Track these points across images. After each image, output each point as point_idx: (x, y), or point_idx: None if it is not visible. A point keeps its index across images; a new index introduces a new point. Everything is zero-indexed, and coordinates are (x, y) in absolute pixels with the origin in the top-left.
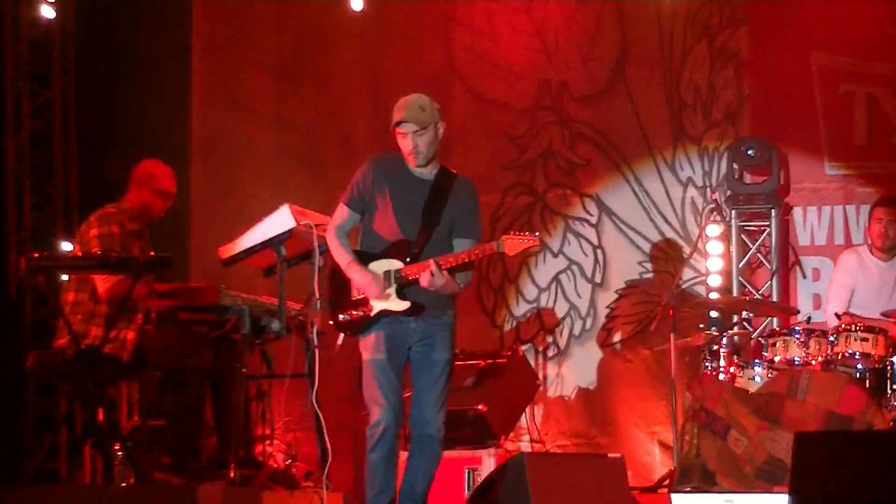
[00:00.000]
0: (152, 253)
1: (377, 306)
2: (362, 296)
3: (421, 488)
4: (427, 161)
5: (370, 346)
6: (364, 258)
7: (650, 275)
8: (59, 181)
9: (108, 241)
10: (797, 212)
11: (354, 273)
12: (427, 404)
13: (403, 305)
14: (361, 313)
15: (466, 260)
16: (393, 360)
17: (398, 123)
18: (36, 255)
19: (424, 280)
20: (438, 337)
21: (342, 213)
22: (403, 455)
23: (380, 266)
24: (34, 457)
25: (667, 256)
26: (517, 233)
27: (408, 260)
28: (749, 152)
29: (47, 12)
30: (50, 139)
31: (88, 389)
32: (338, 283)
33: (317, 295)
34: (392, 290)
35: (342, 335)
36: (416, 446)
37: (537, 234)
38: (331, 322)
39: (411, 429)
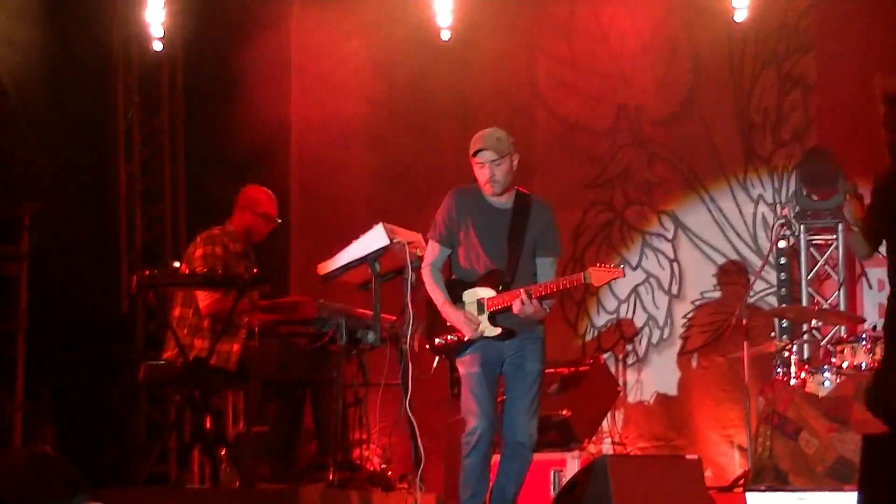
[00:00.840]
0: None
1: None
2: None
3: (511, 491)
4: (503, 189)
5: (466, 362)
6: (459, 286)
7: (724, 287)
8: (167, 204)
9: (210, 261)
10: None
11: (449, 313)
12: (520, 413)
13: (495, 332)
14: (456, 338)
15: (555, 290)
16: (487, 372)
17: (476, 153)
18: (146, 273)
19: (516, 308)
20: (530, 350)
21: (433, 250)
22: (495, 458)
23: (473, 295)
24: (146, 461)
25: (739, 269)
26: (602, 265)
27: (500, 288)
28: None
29: (156, 46)
30: (159, 165)
31: (196, 399)
32: (433, 310)
33: (409, 308)
34: (484, 318)
35: (437, 358)
36: (507, 451)
37: (622, 265)
38: (427, 347)
39: (504, 435)
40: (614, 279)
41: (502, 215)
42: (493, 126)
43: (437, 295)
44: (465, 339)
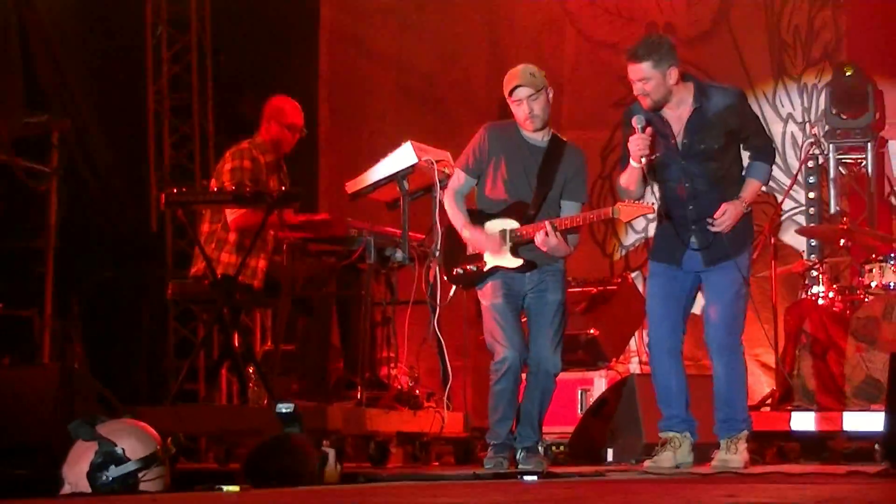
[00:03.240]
0: (287, 184)
1: (490, 262)
2: (477, 252)
3: (537, 413)
4: (543, 125)
5: (488, 293)
6: (482, 218)
7: (752, 205)
8: (195, 122)
9: (239, 175)
10: (892, 145)
11: (469, 233)
12: (544, 344)
13: (516, 262)
14: (475, 268)
15: (581, 224)
16: (510, 302)
17: (512, 91)
18: (175, 190)
19: (539, 239)
20: (550, 281)
21: (459, 178)
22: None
23: (496, 225)
24: (175, 379)
25: (769, 188)
26: (633, 201)
27: (523, 221)
28: (847, 74)
29: None
30: (188, 82)
31: (225, 316)
32: (452, 239)
33: (437, 226)
34: (507, 248)
35: (454, 288)
36: (532, 378)
37: (652, 202)
38: (444, 277)
39: (529, 365)
40: (643, 215)
41: (535, 152)
42: (524, 61)
43: (458, 217)
44: (485, 268)
